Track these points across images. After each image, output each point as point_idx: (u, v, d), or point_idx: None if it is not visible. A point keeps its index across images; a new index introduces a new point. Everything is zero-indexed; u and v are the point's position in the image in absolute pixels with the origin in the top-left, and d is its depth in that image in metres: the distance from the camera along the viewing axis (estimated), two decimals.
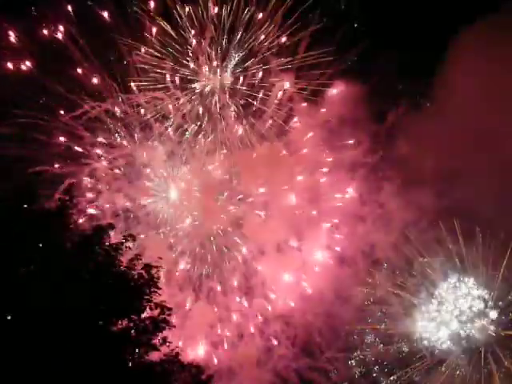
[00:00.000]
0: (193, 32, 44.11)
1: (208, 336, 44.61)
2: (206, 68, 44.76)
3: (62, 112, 42.88)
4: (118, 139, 44.49)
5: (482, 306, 43.86)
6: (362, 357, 46.62)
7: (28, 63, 41.57)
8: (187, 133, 44.79)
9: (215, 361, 44.20)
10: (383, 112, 44.38)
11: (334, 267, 45.18)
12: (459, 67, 38.94)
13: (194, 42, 44.21)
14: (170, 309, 21.27)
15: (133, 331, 20.74)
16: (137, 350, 20.77)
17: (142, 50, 43.52)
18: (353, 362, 47.09)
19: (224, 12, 43.65)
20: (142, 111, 44.60)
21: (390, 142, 44.16)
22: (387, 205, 45.02)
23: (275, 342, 45.70)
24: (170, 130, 44.89)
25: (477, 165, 38.76)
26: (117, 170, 44.34)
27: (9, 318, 18.58)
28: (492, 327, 43.55)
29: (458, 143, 38.77)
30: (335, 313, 45.40)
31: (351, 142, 44.75)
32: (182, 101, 44.90)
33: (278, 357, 45.41)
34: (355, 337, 47.01)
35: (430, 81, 42.46)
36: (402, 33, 41.32)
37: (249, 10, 43.65)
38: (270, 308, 45.71)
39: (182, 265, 45.26)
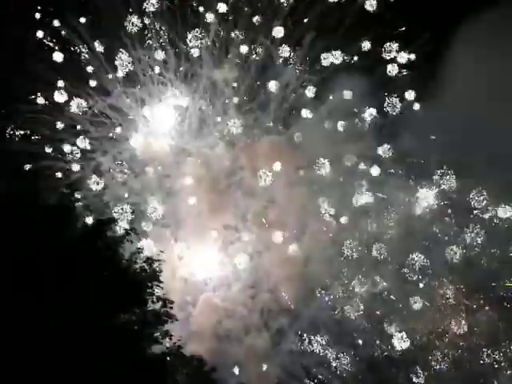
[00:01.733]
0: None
1: (214, 330, 44.66)
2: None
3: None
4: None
5: None
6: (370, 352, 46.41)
7: None
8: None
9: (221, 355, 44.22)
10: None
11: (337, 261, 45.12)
12: (461, 60, 38.95)
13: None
14: (172, 302, 21.35)
15: (135, 325, 20.81)
16: (139, 344, 20.84)
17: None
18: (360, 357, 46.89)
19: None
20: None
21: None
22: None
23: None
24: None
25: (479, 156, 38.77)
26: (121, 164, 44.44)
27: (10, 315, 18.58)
28: None
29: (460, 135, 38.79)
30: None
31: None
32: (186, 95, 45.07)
33: (284, 352, 45.44)
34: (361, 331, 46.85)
35: (431, 74, 42.45)
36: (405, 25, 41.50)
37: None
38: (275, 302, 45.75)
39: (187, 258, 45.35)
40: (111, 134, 44.25)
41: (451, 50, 40.39)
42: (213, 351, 41.49)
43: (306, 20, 44.31)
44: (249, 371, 43.41)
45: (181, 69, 45.00)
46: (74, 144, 42.43)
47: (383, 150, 43.54)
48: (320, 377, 44.92)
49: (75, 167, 42.18)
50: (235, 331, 44.95)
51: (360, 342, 44.76)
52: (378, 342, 44.60)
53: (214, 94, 45.26)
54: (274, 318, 45.41)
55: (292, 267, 44.24)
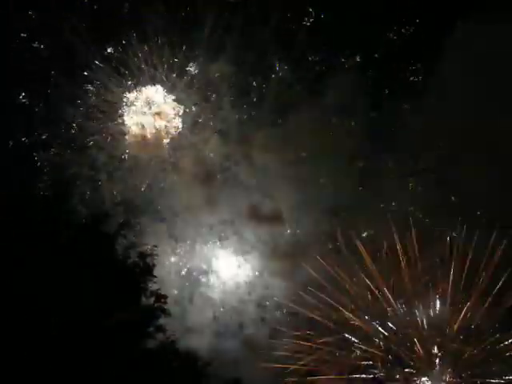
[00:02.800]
0: None
1: (210, 326, 44.68)
2: None
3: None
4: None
5: None
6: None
7: None
8: None
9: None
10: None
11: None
12: (457, 57, 38.94)
13: None
14: (165, 297, 21.44)
15: (128, 319, 20.87)
16: (132, 339, 20.89)
17: None
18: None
19: None
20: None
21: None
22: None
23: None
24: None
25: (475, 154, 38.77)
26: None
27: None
28: None
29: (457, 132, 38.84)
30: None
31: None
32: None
33: (282, 347, 45.41)
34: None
35: (428, 70, 42.47)
36: (400, 22, 41.50)
37: None
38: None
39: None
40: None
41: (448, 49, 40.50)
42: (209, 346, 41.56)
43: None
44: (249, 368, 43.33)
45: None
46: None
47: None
48: None
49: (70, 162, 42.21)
50: (232, 326, 45.01)
51: None
52: None
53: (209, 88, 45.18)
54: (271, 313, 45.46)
55: (288, 261, 44.33)
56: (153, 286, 21.39)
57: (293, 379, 39.56)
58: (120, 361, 20.09)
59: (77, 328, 19.07)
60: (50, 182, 34.85)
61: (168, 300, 22.23)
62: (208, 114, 44.27)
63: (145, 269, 21.38)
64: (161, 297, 21.41)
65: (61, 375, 18.43)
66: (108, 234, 21.40)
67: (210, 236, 44.33)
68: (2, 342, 18.03)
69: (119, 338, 20.50)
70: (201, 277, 44.62)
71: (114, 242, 21.34)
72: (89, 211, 24.24)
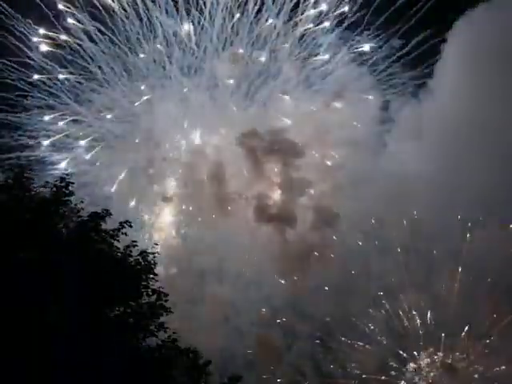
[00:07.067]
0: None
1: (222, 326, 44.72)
2: None
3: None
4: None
5: None
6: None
7: None
8: None
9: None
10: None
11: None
12: (460, 55, 38.66)
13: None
14: (166, 295, 21.43)
15: (130, 317, 20.90)
16: (134, 336, 20.92)
17: None
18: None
19: None
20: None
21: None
22: None
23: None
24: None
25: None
26: None
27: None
28: None
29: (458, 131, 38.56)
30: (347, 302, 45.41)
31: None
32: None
33: (296, 348, 45.42)
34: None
35: (430, 69, 42.42)
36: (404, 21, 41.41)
37: None
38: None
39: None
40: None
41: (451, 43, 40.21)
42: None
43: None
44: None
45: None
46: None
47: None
48: None
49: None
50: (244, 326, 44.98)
51: None
52: None
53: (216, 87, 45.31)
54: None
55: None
56: (154, 284, 21.39)
57: None
58: (120, 357, 20.07)
59: (76, 327, 19.04)
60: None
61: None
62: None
63: (146, 267, 21.35)
64: (162, 295, 21.41)
65: (60, 374, 18.41)
66: (109, 232, 21.32)
67: None
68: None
69: (120, 335, 20.52)
70: None
71: (115, 239, 21.27)
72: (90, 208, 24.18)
